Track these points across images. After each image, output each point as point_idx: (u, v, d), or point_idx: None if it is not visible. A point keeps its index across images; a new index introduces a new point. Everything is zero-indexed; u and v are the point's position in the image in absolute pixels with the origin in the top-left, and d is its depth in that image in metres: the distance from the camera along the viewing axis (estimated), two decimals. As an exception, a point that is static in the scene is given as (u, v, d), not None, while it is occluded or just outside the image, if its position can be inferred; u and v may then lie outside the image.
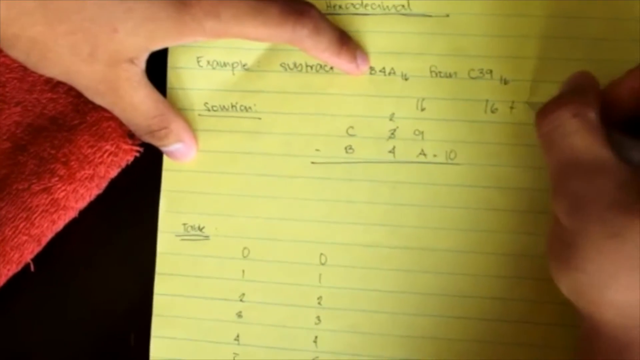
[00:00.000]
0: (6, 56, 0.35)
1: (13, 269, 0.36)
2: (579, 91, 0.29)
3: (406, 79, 0.36)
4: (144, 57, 0.33)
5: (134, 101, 0.34)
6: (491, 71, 0.35)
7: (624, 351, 0.26)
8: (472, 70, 0.35)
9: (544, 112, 0.29)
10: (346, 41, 0.35)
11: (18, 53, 0.33)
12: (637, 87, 0.29)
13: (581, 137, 0.27)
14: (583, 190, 0.26)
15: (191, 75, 0.37)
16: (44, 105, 0.37)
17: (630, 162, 0.28)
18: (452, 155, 0.35)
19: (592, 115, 0.28)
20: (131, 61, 0.33)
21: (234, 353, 0.36)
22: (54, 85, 0.37)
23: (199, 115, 0.37)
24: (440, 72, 0.35)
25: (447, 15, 0.35)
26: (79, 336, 0.38)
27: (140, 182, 0.37)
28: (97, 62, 0.32)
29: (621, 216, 0.25)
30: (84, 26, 0.31)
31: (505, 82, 0.35)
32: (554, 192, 0.28)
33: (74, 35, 0.32)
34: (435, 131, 0.35)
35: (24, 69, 0.36)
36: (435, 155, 0.35)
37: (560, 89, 0.31)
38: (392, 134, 0.36)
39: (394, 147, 0.36)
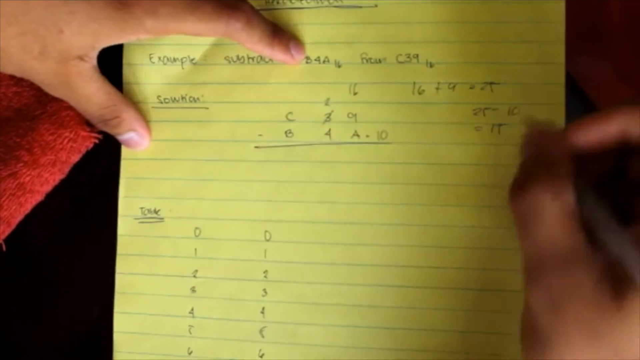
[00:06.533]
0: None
1: (-15, 249, 0.38)
2: (550, 163, 0.27)
3: (339, 66, 0.38)
4: (93, 54, 0.36)
5: (86, 93, 0.36)
6: (417, 55, 0.37)
7: None
8: (400, 55, 0.37)
9: (519, 187, 0.27)
10: (278, 33, 0.37)
11: None
12: (610, 135, 0.28)
13: (560, 225, 0.26)
14: (560, 286, 0.25)
15: (144, 71, 0.40)
16: (10, 99, 0.39)
17: (602, 238, 0.26)
18: (384, 135, 0.37)
19: (570, 197, 0.26)
20: (80, 58, 0.35)
21: (189, 325, 0.38)
22: (18, 80, 0.38)
23: (152, 107, 0.39)
24: (370, 59, 0.38)
25: (376, 6, 0.38)
26: (48, 309, 0.40)
27: (102, 167, 0.40)
28: (48, 60, 0.35)
29: (598, 315, 0.25)
30: (32, 28, 0.34)
31: (431, 65, 0.37)
32: (530, 281, 0.27)
33: (23, 36, 0.34)
34: (367, 113, 0.37)
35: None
36: (367, 136, 0.37)
37: (523, 149, 0.29)
38: (328, 117, 0.38)
39: (329, 130, 0.38)
